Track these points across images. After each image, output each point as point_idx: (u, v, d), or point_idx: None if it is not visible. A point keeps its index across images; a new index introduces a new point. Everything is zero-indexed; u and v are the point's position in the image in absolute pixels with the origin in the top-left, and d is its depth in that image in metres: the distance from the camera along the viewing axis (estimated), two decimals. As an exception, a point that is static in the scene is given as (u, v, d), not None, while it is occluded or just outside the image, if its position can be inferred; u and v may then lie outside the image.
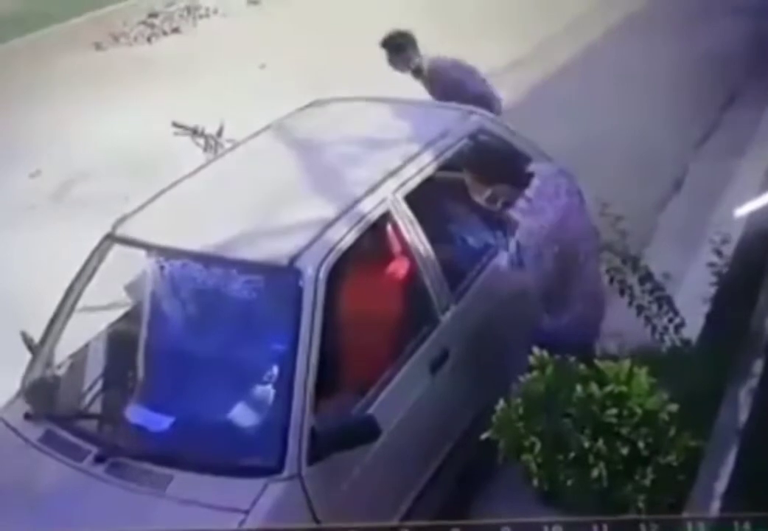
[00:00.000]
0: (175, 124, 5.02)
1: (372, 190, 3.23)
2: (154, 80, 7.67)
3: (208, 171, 3.85)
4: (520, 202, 3.03)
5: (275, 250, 2.96)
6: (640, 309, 3.53)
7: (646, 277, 3.53)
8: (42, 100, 7.69)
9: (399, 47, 4.49)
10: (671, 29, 8.03)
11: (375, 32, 8.75)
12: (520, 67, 7.76)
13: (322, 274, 2.88)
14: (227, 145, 4.67)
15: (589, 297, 3.15)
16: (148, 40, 9.63)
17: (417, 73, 4.49)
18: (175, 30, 9.73)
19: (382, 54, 6.76)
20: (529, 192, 3.03)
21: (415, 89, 6.10)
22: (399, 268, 3.33)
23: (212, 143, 5.01)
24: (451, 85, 4.34)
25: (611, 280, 3.53)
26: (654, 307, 3.53)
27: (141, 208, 3.37)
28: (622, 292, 3.53)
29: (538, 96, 7.01)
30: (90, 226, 3.48)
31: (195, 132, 4.99)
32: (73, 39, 9.20)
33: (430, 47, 8.00)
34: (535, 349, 2.93)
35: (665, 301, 3.54)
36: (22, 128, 7.09)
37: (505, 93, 7.02)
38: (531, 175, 3.08)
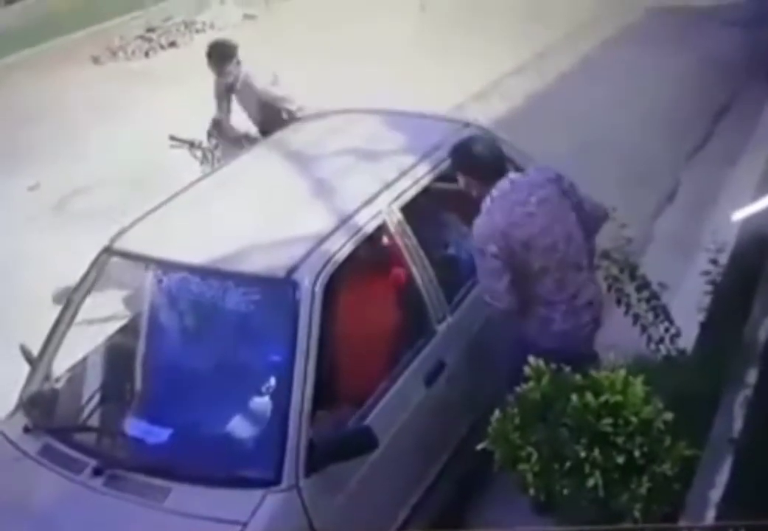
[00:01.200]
0: (172, 138, 5.05)
1: (368, 202, 3.25)
2: (152, 94, 7.72)
3: (205, 184, 3.88)
4: (486, 200, 3.14)
5: (272, 262, 2.97)
6: (636, 318, 3.54)
7: (643, 285, 3.55)
8: (41, 113, 7.72)
9: (223, 56, 4.85)
10: (667, 40, 8.10)
11: (369, 45, 8.85)
12: (519, 75, 7.82)
13: (319, 286, 2.89)
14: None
15: (557, 305, 3.16)
16: (146, 54, 9.68)
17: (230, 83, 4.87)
18: (172, 44, 9.78)
19: (373, 70, 6.82)
20: (495, 192, 3.14)
21: (410, 98, 6.17)
22: (395, 279, 3.34)
23: (209, 156, 5.04)
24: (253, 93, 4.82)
25: (609, 288, 3.54)
26: (650, 316, 3.54)
27: (139, 221, 3.39)
28: (618, 301, 3.55)
29: (535, 104, 7.06)
30: (89, 238, 3.49)
31: (192, 145, 5.01)
32: (71, 53, 9.23)
33: (421, 63, 8.09)
34: (531, 360, 2.94)
35: (661, 311, 3.55)
36: (21, 141, 7.11)
37: (504, 101, 7.13)
38: (500, 176, 3.17)
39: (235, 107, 5.10)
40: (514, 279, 3.09)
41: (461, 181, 3.27)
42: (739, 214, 3.47)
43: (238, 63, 4.91)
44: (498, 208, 3.12)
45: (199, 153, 5.02)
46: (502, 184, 3.16)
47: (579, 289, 3.21)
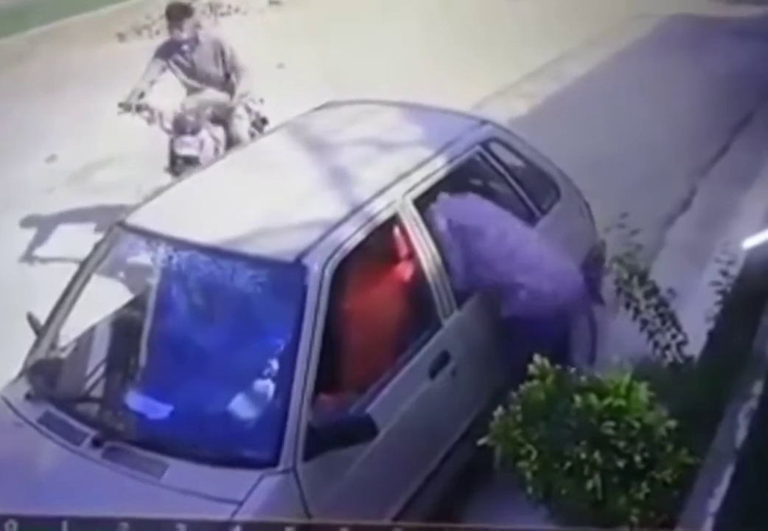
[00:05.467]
0: (120, 105, 5.05)
1: (381, 192, 3.25)
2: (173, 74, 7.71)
3: (220, 165, 3.89)
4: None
5: (282, 246, 2.98)
6: (644, 323, 3.53)
7: (652, 292, 3.53)
8: (62, 87, 7.74)
9: (181, 12, 5.15)
10: (685, 50, 8.05)
11: (393, 35, 8.82)
12: (535, 80, 7.80)
13: (328, 272, 2.89)
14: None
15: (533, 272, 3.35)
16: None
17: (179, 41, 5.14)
18: (197, 26, 9.76)
19: (398, 56, 6.87)
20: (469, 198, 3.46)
21: (430, 90, 6.15)
22: (404, 270, 3.34)
23: (156, 118, 5.04)
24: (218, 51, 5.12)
25: (618, 292, 3.54)
26: (658, 322, 3.53)
27: (152, 197, 3.39)
28: (627, 305, 3.54)
29: (552, 109, 7.04)
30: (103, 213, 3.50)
31: (138, 108, 5.02)
32: (97, 30, 9.25)
33: (445, 53, 8.06)
34: (536, 358, 2.94)
35: (669, 317, 3.54)
36: (41, 115, 7.12)
37: (521, 104, 7.11)
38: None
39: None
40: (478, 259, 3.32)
41: None
42: (751, 241, 3.46)
43: (198, 26, 5.25)
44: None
45: (146, 114, 5.05)
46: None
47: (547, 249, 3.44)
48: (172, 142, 5.02)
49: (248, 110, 5.27)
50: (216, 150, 5.10)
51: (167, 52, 5.20)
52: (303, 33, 8.94)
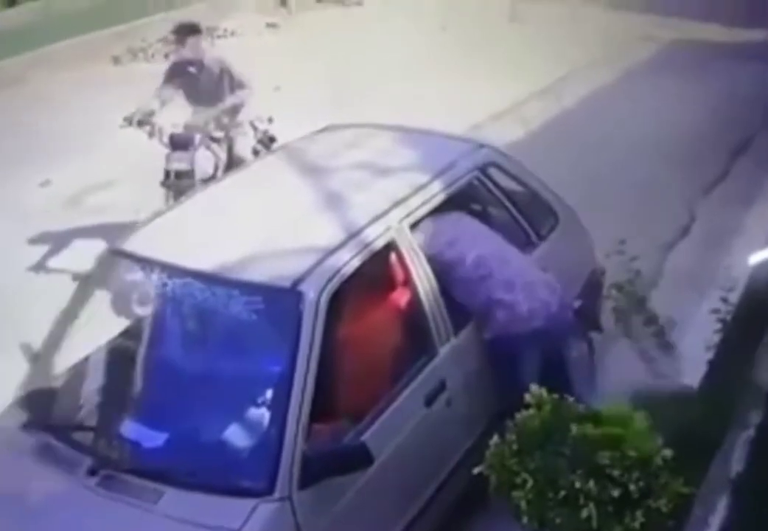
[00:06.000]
0: (124, 119, 5.20)
1: (378, 218, 3.25)
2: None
3: (216, 191, 3.89)
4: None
5: (278, 272, 2.97)
6: (642, 351, 3.53)
7: (651, 319, 3.53)
8: (56, 109, 7.75)
9: (188, 31, 5.35)
10: (687, 73, 8.11)
11: (391, 57, 8.87)
12: (537, 100, 7.84)
13: (324, 299, 2.88)
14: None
15: (515, 287, 3.36)
16: (166, 57, 9.69)
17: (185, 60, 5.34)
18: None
19: (397, 80, 6.91)
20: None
21: (429, 113, 6.18)
22: (400, 297, 3.33)
23: (157, 130, 5.18)
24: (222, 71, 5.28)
25: (617, 320, 3.53)
26: (656, 351, 3.53)
27: (147, 223, 3.39)
28: (626, 333, 3.53)
29: (551, 130, 7.07)
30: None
31: (140, 123, 5.16)
32: (93, 52, 9.29)
33: (444, 76, 8.10)
34: (533, 387, 2.93)
35: (667, 346, 3.54)
36: (34, 136, 7.13)
37: (520, 125, 7.15)
38: None
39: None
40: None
41: None
42: (755, 258, 3.46)
43: (201, 44, 5.39)
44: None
45: (147, 128, 5.18)
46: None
47: (527, 269, 3.44)
48: (166, 157, 5.15)
49: (254, 128, 5.42)
50: (216, 166, 5.27)
51: (176, 72, 5.37)
52: (299, 56, 9.00)
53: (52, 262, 5.25)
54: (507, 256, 3.48)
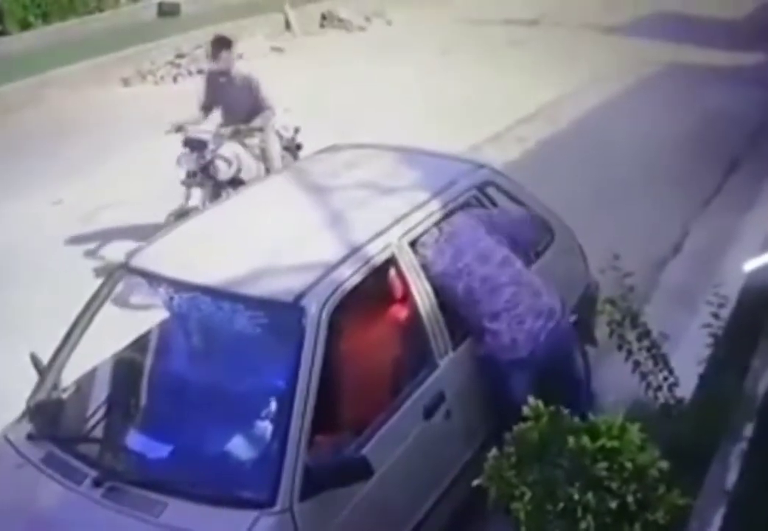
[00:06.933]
0: (172, 125, 5.60)
1: (379, 234, 3.31)
2: (178, 118, 7.85)
3: (222, 207, 3.97)
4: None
5: (281, 287, 3.03)
6: (636, 365, 3.58)
7: (644, 334, 3.58)
8: (67, 130, 7.87)
9: (221, 44, 5.66)
10: (683, 94, 8.22)
11: (393, 80, 9.00)
12: (533, 121, 7.95)
13: (326, 313, 2.94)
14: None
15: (500, 315, 3.38)
16: (174, 79, 9.86)
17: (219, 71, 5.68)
18: (201, 71, 9.88)
19: (402, 101, 7.04)
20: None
21: (429, 133, 6.28)
22: (401, 311, 3.39)
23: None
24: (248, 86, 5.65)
25: (611, 334, 3.59)
26: (650, 364, 3.57)
27: (155, 239, 3.47)
28: (620, 347, 3.59)
29: (547, 150, 7.16)
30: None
31: (179, 129, 5.56)
32: (101, 75, 9.44)
33: (444, 97, 8.22)
34: (531, 400, 2.97)
35: (661, 359, 3.59)
36: (46, 158, 7.24)
37: (517, 145, 7.25)
38: None
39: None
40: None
41: None
42: (750, 265, 3.52)
43: (233, 57, 5.71)
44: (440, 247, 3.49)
45: (182, 135, 5.55)
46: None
47: (515, 298, 3.41)
48: (179, 157, 5.55)
49: (280, 136, 5.84)
50: (229, 167, 5.60)
51: (210, 81, 5.75)
52: (307, 78, 9.14)
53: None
54: (500, 281, 3.44)
